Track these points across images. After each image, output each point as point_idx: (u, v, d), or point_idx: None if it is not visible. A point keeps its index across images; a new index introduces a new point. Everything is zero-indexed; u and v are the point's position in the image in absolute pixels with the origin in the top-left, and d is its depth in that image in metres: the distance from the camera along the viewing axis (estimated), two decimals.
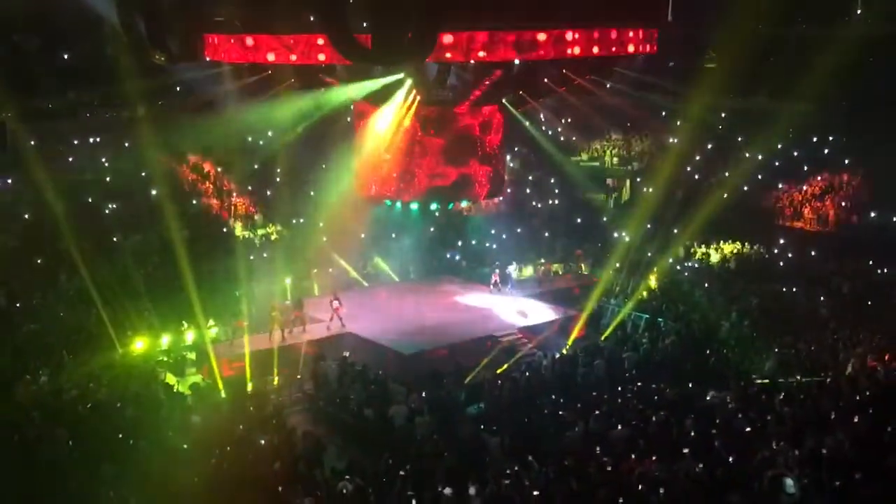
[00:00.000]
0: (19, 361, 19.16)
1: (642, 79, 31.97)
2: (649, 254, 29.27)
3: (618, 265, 29.31)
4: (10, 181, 27.70)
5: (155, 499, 13.34)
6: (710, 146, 35.76)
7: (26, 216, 26.56)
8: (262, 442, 15.86)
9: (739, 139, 35.23)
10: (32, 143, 28.32)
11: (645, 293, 27.14)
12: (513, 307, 28.02)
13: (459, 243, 33.14)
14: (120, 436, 15.77)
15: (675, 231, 29.86)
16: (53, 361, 19.33)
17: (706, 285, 27.19)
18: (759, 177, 34.00)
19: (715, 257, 31.23)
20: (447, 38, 23.82)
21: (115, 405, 17.47)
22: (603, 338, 24.07)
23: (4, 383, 17.75)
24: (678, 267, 29.50)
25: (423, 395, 18.92)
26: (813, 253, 30.22)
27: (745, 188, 33.28)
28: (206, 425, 16.95)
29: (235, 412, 18.10)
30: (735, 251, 31.39)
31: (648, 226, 30.96)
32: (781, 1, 31.37)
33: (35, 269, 24.21)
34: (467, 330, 26.05)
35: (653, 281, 27.92)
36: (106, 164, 30.57)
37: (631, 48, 26.66)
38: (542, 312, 27.76)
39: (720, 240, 31.67)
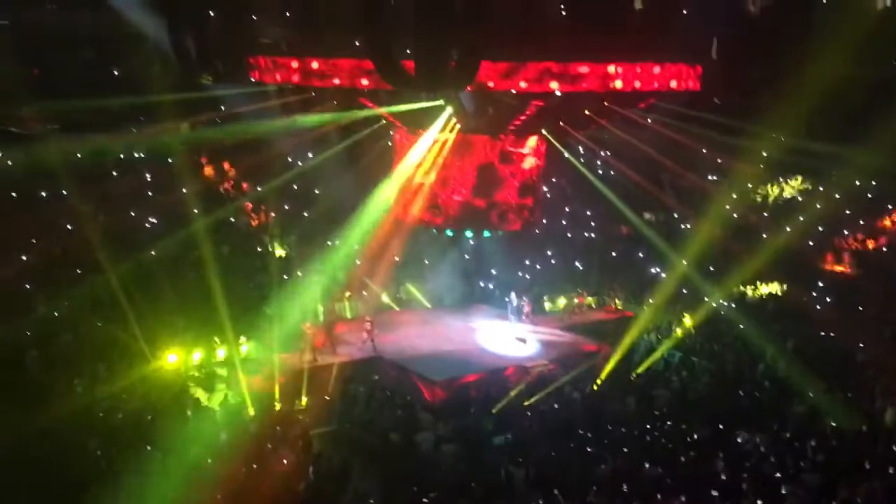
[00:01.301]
0: (55, 370, 19.42)
1: (687, 112, 31.69)
2: (685, 291, 28.92)
3: (652, 301, 29.05)
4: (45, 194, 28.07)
5: None
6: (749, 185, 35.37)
7: (69, 226, 27.00)
8: (288, 462, 15.85)
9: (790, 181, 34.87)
10: (78, 154, 28.88)
11: (679, 330, 26.80)
12: (545, 338, 27.82)
13: (493, 272, 33.05)
14: (148, 448, 15.88)
15: (713, 269, 29.49)
16: (88, 372, 19.56)
17: (741, 325, 26.78)
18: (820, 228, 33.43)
19: (752, 297, 30.77)
20: (489, 67, 23.94)
21: (145, 418, 17.63)
22: (635, 374, 23.76)
23: (40, 392, 17.98)
24: (714, 305, 29.08)
25: (451, 422, 18.80)
26: (853, 297, 29.66)
27: (788, 229, 32.82)
28: (233, 442, 17.03)
29: (262, 431, 18.15)
30: (773, 292, 30.91)
31: (685, 262, 30.61)
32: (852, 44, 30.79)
33: (73, 279, 24.55)
34: (497, 359, 25.94)
35: (688, 318, 27.57)
36: (148, 179, 31.07)
37: (673, 84, 26.57)
38: (573, 345, 27.54)
39: (758, 280, 31.19)
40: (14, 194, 27.45)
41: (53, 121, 29.00)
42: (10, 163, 27.93)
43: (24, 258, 25.39)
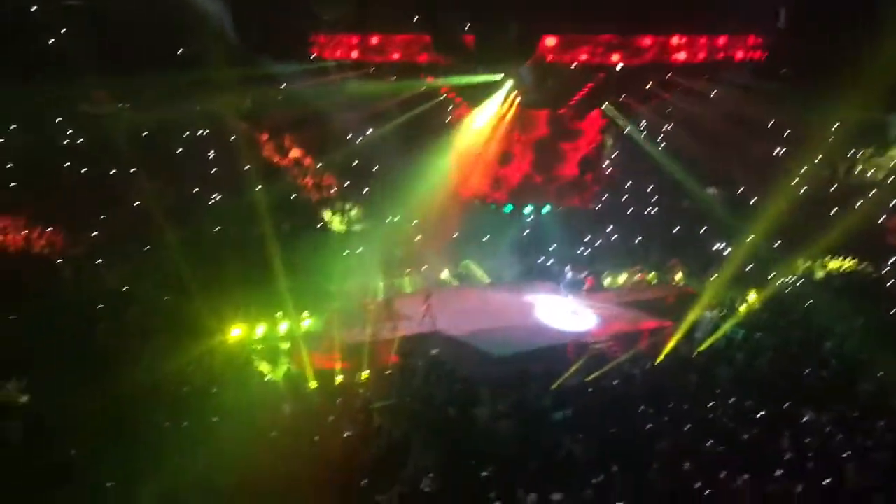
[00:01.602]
0: (125, 343, 20.01)
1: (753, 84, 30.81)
2: (750, 266, 28.31)
3: (715, 277, 28.58)
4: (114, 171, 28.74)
5: (243, 483, 13.72)
6: (819, 158, 34.28)
7: (136, 203, 27.66)
8: (349, 435, 16.10)
9: (859, 155, 33.66)
10: (145, 132, 29.53)
11: (743, 307, 26.30)
12: (604, 314, 27.60)
13: (552, 248, 32.86)
14: (214, 420, 16.29)
15: (781, 245, 28.79)
16: (156, 345, 20.09)
17: (808, 302, 26.14)
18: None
19: (820, 273, 29.99)
20: (549, 41, 23.70)
21: (211, 390, 18.08)
22: (697, 351, 23.41)
23: (110, 365, 18.54)
24: (780, 281, 28.43)
25: (509, 398, 18.82)
26: None
27: (858, 205, 31.81)
28: (296, 414, 17.37)
29: (325, 404, 18.45)
30: (842, 268, 30.08)
31: (750, 238, 29.98)
32: None
33: (141, 254, 25.18)
34: (556, 335, 25.83)
35: (752, 295, 27.03)
36: (211, 156, 31.59)
37: (739, 54, 25.94)
38: (633, 322, 27.26)
39: (827, 255, 30.36)
40: (84, 170, 28.17)
41: (121, 99, 29.62)
42: (80, 140, 28.65)
43: (94, 234, 26.09)
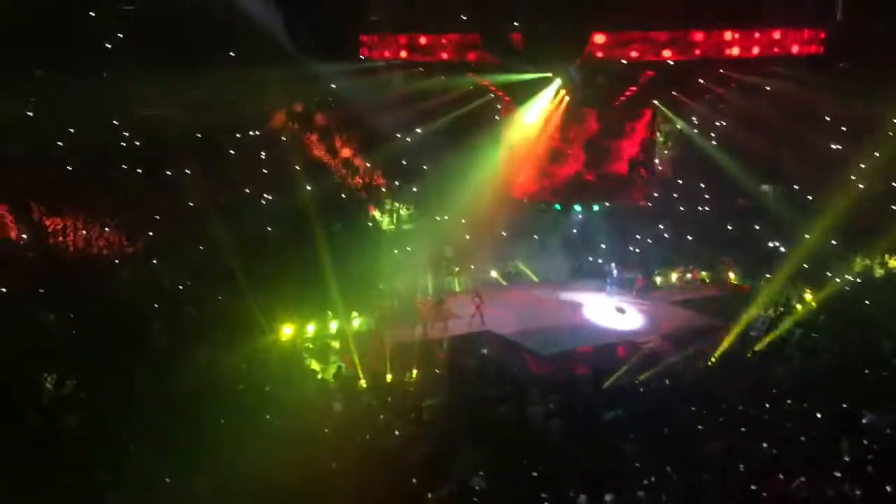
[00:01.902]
0: (180, 342, 20.37)
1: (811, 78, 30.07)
2: (806, 265, 27.69)
3: (769, 275, 28.06)
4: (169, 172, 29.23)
5: (296, 480, 13.87)
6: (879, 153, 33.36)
7: (190, 203, 28.13)
8: (399, 433, 16.17)
9: None
10: (198, 134, 30.00)
11: (799, 306, 25.76)
12: (656, 314, 27.29)
13: (602, 246, 32.58)
14: (267, 417, 16.51)
15: (838, 243, 28.12)
16: (210, 344, 20.41)
17: (867, 301, 25.48)
18: None
19: (879, 271, 29.18)
20: (599, 38, 23.51)
21: (264, 387, 18.32)
22: (751, 351, 22.99)
23: (166, 363, 18.89)
24: (837, 280, 27.76)
25: (560, 397, 18.72)
26: None
27: None
28: (347, 412, 17.51)
29: (375, 402, 18.57)
30: None
31: (807, 236, 29.35)
32: None
33: (196, 255, 25.59)
34: (607, 334, 25.67)
35: (808, 293, 26.46)
36: (262, 157, 31.98)
37: (795, 49, 25.41)
38: (686, 321, 26.91)
39: (886, 252, 29.53)
40: (139, 171, 28.74)
41: (174, 100, 30.14)
42: (136, 142, 29.23)
43: (150, 234, 26.60)
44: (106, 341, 19.35)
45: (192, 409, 16.38)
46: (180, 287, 23.97)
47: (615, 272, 29.37)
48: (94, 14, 28.62)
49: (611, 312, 27.82)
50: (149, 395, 16.74)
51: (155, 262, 24.89)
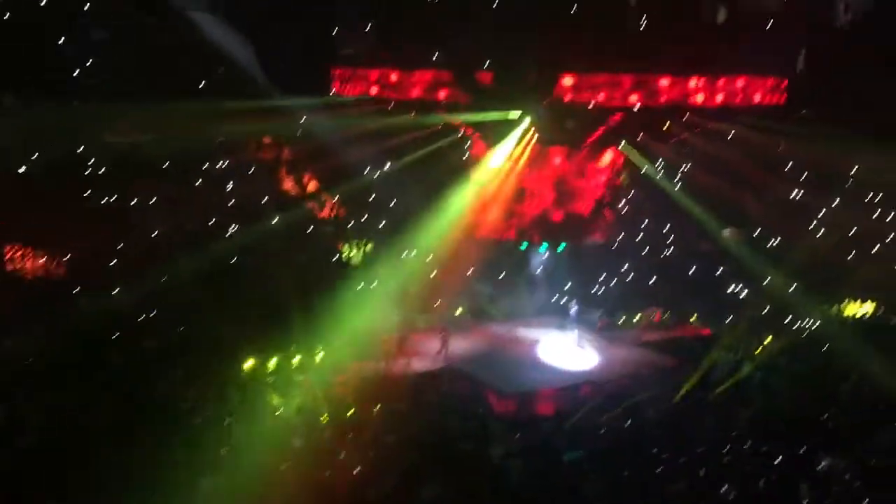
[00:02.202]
0: (139, 373, 20.02)
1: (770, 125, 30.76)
2: (767, 309, 28.09)
3: (731, 318, 28.38)
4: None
5: None
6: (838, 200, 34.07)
7: (157, 232, 27.86)
8: (360, 469, 15.98)
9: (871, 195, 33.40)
10: (166, 165, 29.85)
11: (760, 349, 26.05)
12: (620, 354, 27.43)
13: (567, 286, 32.74)
14: (223, 451, 16.23)
15: (799, 287, 28.56)
16: (170, 375, 20.09)
17: (827, 345, 25.86)
18: None
19: (839, 316, 29.66)
20: (568, 80, 23.89)
21: (223, 421, 18.02)
22: (713, 393, 23.15)
23: (125, 393, 18.55)
24: (798, 324, 28.17)
25: (521, 435, 18.66)
26: None
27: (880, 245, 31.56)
28: (307, 447, 17.27)
29: (336, 437, 18.35)
30: (860, 312, 29.73)
31: (768, 280, 29.80)
32: None
33: (158, 284, 25.29)
34: (570, 373, 25.71)
35: (769, 337, 26.79)
36: (230, 188, 31.83)
37: (757, 98, 26.02)
38: (648, 362, 27.06)
39: (845, 298, 30.05)
40: (105, 199, 28.45)
41: (143, 128, 30.00)
42: (102, 170, 28.97)
43: (112, 262, 26.25)
44: (62, 370, 19.02)
45: (148, 443, 16.06)
46: (141, 317, 23.65)
47: (574, 310, 29.60)
48: (65, 40, 28.52)
49: (571, 350, 27.91)
50: (104, 426, 16.41)
51: (116, 290, 24.51)
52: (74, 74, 28.78)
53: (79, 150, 28.29)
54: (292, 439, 17.87)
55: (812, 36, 27.80)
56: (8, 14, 26.83)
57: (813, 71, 27.92)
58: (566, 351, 27.98)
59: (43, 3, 27.36)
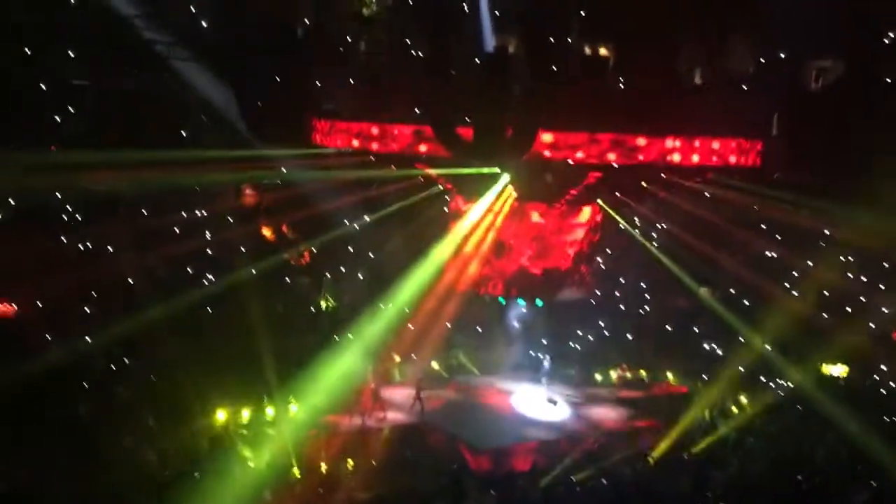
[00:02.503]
0: (107, 424, 19.66)
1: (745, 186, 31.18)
2: (742, 368, 28.14)
3: (707, 377, 28.47)
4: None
5: None
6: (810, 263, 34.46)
7: (130, 280, 27.63)
8: None
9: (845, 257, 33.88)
10: (144, 213, 29.77)
11: (736, 409, 26.05)
12: (596, 411, 27.34)
13: (544, 341, 32.70)
14: None
15: (775, 348, 28.71)
16: (139, 427, 19.75)
17: (799, 407, 25.90)
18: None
19: (814, 378, 29.70)
20: (546, 137, 24.18)
21: (192, 474, 17.66)
22: (689, 453, 23.03)
23: (91, 444, 18.20)
24: (773, 385, 28.23)
25: (496, 493, 18.43)
26: None
27: (849, 309, 31.87)
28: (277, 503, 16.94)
29: (307, 493, 18.04)
30: (836, 374, 29.84)
31: (741, 340, 29.92)
32: None
33: (129, 333, 24.97)
34: (546, 430, 25.57)
35: (744, 398, 26.82)
36: (208, 237, 31.74)
37: (732, 159, 26.47)
38: (625, 419, 26.99)
39: (820, 360, 30.12)
40: (81, 247, 28.25)
41: (120, 176, 29.95)
42: (78, 217, 28.80)
43: (86, 310, 25.94)
44: (29, 417, 18.68)
45: (116, 497, 15.71)
46: (112, 366, 23.33)
47: (547, 364, 29.59)
48: (44, 87, 28.57)
49: (544, 405, 27.92)
50: (69, 476, 16.05)
51: (87, 338, 24.16)
52: (54, 119, 28.81)
53: (55, 196, 28.22)
54: (262, 494, 17.51)
55: (785, 100, 28.39)
56: None
57: (786, 134, 28.47)
58: (542, 406, 27.83)
59: (25, 51, 27.50)
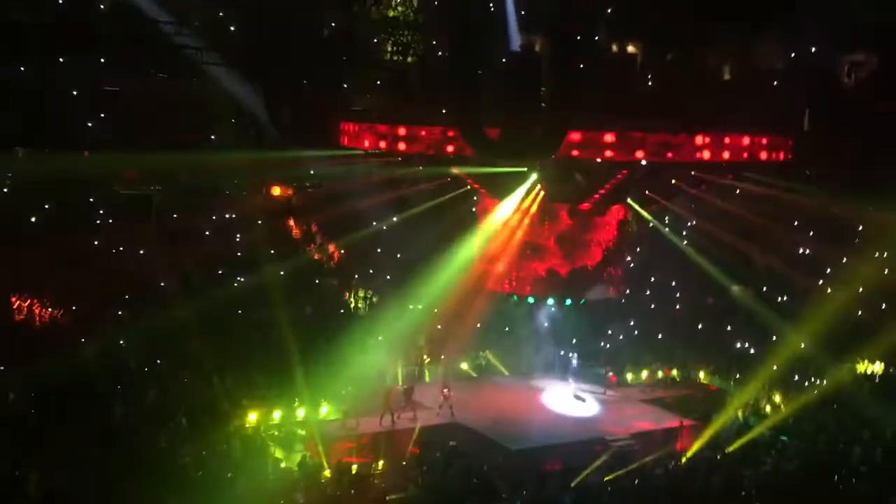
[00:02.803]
0: (142, 424, 19.88)
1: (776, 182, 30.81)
2: (777, 367, 27.78)
3: (739, 376, 28.18)
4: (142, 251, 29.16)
5: None
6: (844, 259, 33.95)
7: (162, 284, 27.96)
8: None
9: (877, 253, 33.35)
10: (175, 216, 30.12)
11: (769, 408, 25.74)
12: (627, 411, 27.18)
13: (574, 341, 32.56)
14: None
15: (809, 345, 28.34)
16: (173, 427, 19.95)
17: (835, 406, 25.53)
18: None
19: (850, 376, 29.28)
20: (575, 136, 24.06)
21: (225, 475, 17.83)
22: (721, 453, 22.78)
23: (127, 444, 18.41)
24: (808, 383, 27.83)
25: (528, 494, 18.39)
26: None
27: (884, 305, 31.36)
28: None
29: (339, 493, 18.11)
30: (872, 371, 29.37)
31: (774, 338, 29.57)
32: None
33: (164, 335, 25.26)
34: (577, 430, 25.44)
35: (778, 396, 26.50)
36: (238, 239, 32.00)
37: (763, 155, 26.17)
38: (657, 419, 26.76)
39: (856, 357, 29.67)
40: (114, 251, 28.62)
41: (153, 180, 30.33)
42: (110, 221, 29.19)
43: (119, 313, 26.26)
44: (66, 420, 18.94)
45: (151, 497, 15.89)
46: (145, 368, 23.59)
47: (575, 362, 29.61)
48: (76, 92, 29.02)
49: (572, 401, 27.93)
50: (105, 477, 16.26)
51: (122, 342, 24.46)
52: (86, 124, 29.28)
53: (89, 201, 28.66)
54: (294, 495, 17.62)
55: (817, 95, 28.10)
56: (22, 68, 27.42)
57: (818, 130, 28.15)
58: (574, 407, 27.74)
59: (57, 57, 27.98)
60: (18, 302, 25.65)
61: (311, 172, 34.37)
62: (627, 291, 33.79)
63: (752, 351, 30.38)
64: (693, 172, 28.00)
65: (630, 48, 33.87)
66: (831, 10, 27.73)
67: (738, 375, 28.59)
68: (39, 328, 25.32)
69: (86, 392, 20.46)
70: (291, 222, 34.21)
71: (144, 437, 19.05)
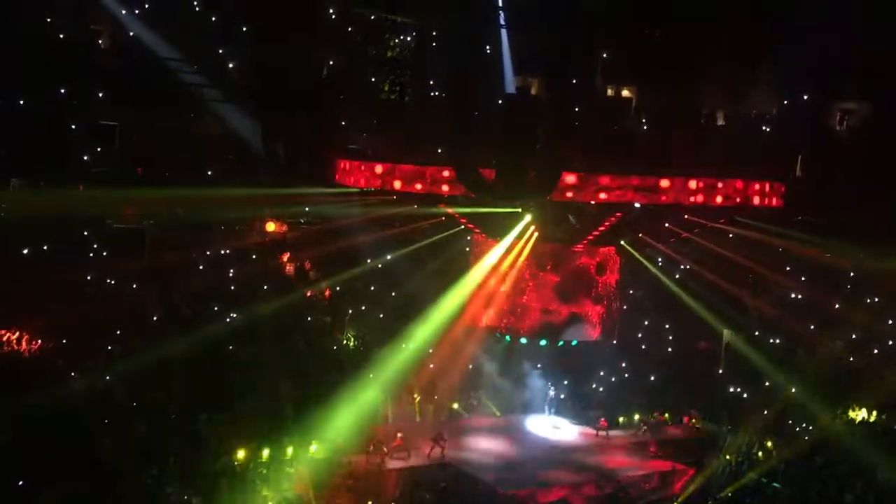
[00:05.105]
0: (128, 460, 19.65)
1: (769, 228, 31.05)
2: (767, 412, 27.74)
3: (731, 421, 28.09)
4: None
5: None
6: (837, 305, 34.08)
7: (154, 318, 27.83)
8: None
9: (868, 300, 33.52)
10: (169, 250, 30.08)
11: (761, 453, 25.62)
12: (618, 454, 27.00)
13: (566, 382, 32.46)
14: None
15: (801, 391, 28.32)
16: (159, 463, 19.73)
17: (827, 452, 25.43)
18: None
19: (841, 422, 29.22)
20: (569, 178, 24.25)
21: None
22: (713, 498, 22.65)
23: (112, 481, 18.19)
24: (799, 429, 27.75)
25: None
26: None
27: (876, 351, 31.44)
28: None
29: None
30: (862, 419, 29.32)
31: (767, 383, 29.56)
32: None
33: (151, 370, 25.10)
34: (568, 472, 25.21)
35: (770, 442, 26.40)
36: (231, 275, 31.96)
37: (756, 200, 26.39)
38: (648, 462, 26.59)
39: (850, 404, 29.62)
40: (108, 282, 28.55)
41: (149, 214, 30.34)
42: (104, 254, 29.15)
43: (109, 348, 26.09)
44: (52, 452, 18.74)
45: None
46: (133, 403, 23.37)
47: (552, 393, 30.12)
48: (74, 126, 29.15)
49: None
50: None
51: (108, 377, 24.24)
52: (83, 159, 29.35)
53: (83, 234, 28.63)
54: None
55: (809, 142, 28.44)
56: (21, 101, 27.57)
57: (810, 176, 28.45)
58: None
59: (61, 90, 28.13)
60: (7, 334, 25.47)
61: (307, 209, 34.45)
62: (619, 333, 33.76)
63: (744, 395, 30.31)
64: (686, 216, 28.18)
65: (625, 92, 34.32)
66: (823, 57, 28.21)
67: (729, 420, 28.46)
68: (28, 361, 25.11)
69: (72, 426, 20.22)
70: (285, 258, 34.18)
71: (131, 473, 18.80)
